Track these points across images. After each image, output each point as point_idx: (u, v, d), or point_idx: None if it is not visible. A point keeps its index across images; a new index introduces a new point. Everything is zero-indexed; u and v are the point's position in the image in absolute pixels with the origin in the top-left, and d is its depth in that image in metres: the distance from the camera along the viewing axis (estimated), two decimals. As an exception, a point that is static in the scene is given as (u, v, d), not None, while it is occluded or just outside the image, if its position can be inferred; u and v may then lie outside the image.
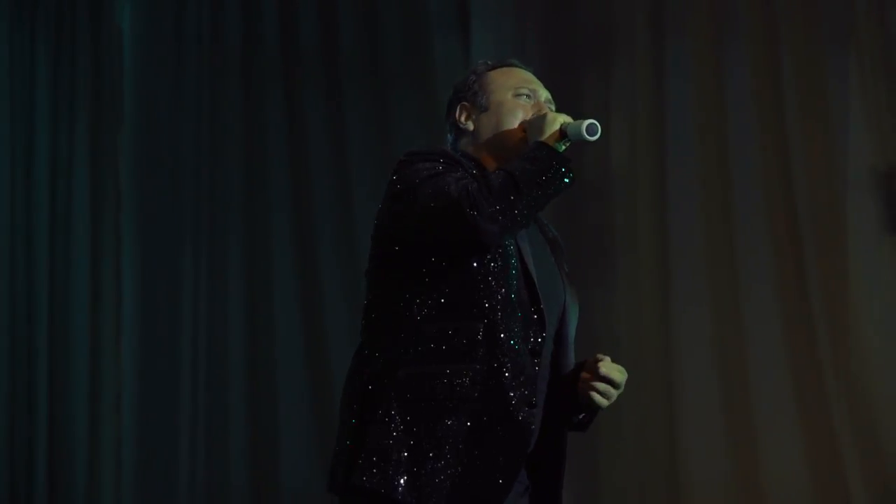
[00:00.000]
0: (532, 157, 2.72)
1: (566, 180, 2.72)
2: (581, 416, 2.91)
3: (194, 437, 6.08)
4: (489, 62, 3.03)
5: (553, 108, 2.98)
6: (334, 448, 2.79)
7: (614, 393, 2.81)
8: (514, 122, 2.91)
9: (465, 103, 2.97)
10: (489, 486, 2.65)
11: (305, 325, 5.94)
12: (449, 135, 3.02)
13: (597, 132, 2.77)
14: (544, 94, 2.97)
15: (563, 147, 2.78)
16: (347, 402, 2.77)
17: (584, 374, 2.82)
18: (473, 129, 2.95)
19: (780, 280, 5.05)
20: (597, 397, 2.79)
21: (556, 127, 2.78)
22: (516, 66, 3.02)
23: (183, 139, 6.24)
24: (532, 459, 2.81)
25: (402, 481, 2.61)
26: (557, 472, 2.86)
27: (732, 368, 5.09)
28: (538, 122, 2.83)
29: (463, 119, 2.97)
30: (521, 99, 2.94)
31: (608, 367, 2.79)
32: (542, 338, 2.75)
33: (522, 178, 2.67)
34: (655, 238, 5.26)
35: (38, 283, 6.29)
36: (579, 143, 2.81)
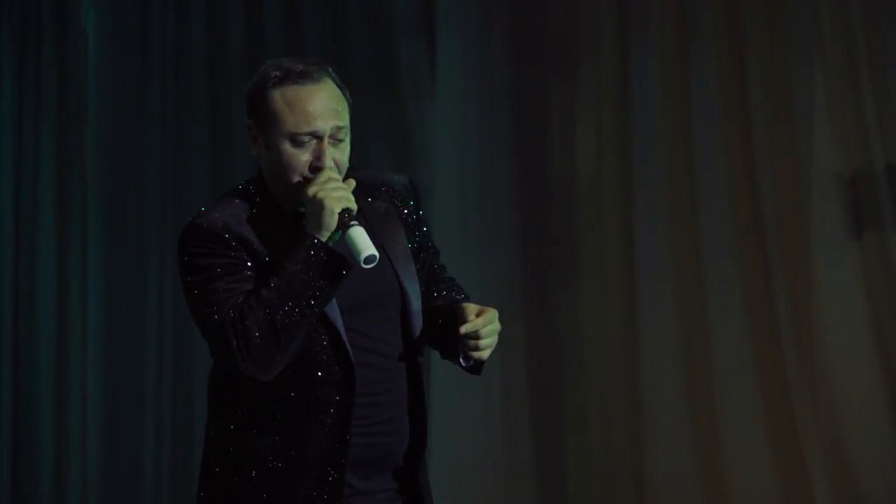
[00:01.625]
0: (304, 276, 2.61)
1: (337, 284, 2.64)
2: (466, 365, 2.85)
3: (160, 438, 6.07)
4: (278, 73, 2.76)
5: (343, 131, 2.76)
6: None
7: (493, 341, 2.76)
8: (294, 176, 2.71)
9: (251, 123, 2.80)
10: None
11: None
12: None
13: (373, 263, 2.62)
14: (329, 127, 2.73)
15: (338, 235, 2.66)
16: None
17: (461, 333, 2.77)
18: (259, 159, 2.82)
19: (745, 283, 5.06)
20: (479, 354, 2.76)
21: (334, 220, 2.64)
22: (304, 83, 2.74)
23: (148, 141, 6.22)
24: (402, 467, 2.82)
25: None
26: (422, 475, 2.86)
27: (698, 371, 5.10)
28: (316, 212, 2.65)
29: (250, 140, 2.82)
30: (300, 149, 2.72)
31: (473, 321, 2.74)
32: (353, 390, 2.70)
33: (285, 318, 2.60)
34: (621, 241, 5.26)
35: (3, 285, 6.25)
36: None
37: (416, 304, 2.82)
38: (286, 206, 2.77)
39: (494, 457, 5.31)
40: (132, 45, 6.30)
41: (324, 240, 2.64)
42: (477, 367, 2.85)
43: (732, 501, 5.01)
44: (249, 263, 2.70)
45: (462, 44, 5.55)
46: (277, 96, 2.74)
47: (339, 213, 2.64)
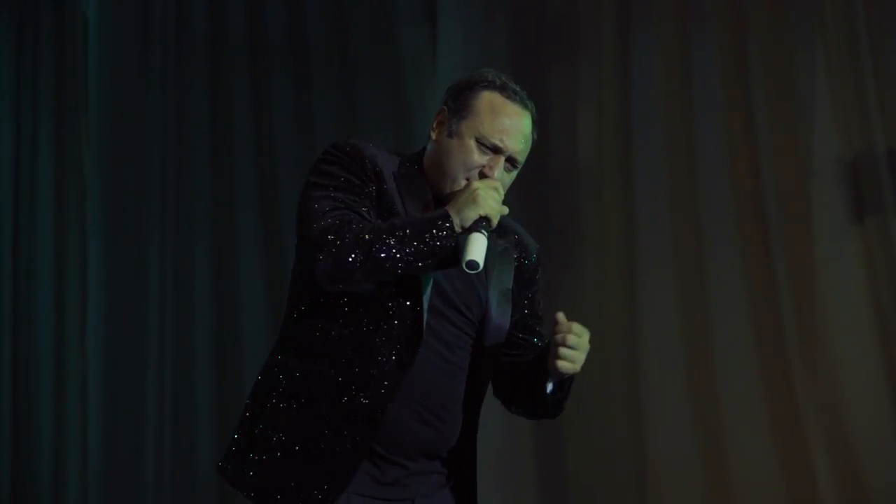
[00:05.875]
0: (419, 236, 2.69)
1: (438, 264, 2.73)
2: (550, 390, 2.91)
3: (161, 426, 6.07)
4: (496, 80, 2.90)
5: (518, 166, 2.90)
6: None
7: (579, 356, 2.80)
8: (460, 169, 2.85)
9: (446, 109, 2.91)
10: (319, 487, 2.74)
11: (271, 313, 5.92)
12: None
13: (473, 270, 2.70)
14: (513, 150, 2.86)
15: (459, 230, 2.75)
16: None
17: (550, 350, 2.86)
18: (435, 142, 2.91)
19: (746, 268, 5.06)
20: (562, 364, 2.79)
21: (473, 218, 2.73)
22: (514, 101, 2.89)
23: (149, 128, 6.22)
24: (453, 455, 2.92)
25: (250, 474, 2.81)
26: (471, 468, 2.94)
27: (699, 356, 5.10)
28: (466, 202, 2.75)
29: (435, 125, 2.92)
30: (482, 148, 2.85)
31: (565, 332, 2.80)
32: (416, 351, 2.78)
33: (380, 250, 2.67)
34: (622, 228, 5.26)
35: (2, 274, 6.25)
36: None
37: (494, 337, 2.94)
38: (433, 189, 2.89)
39: (496, 441, 5.31)
40: (133, 29, 6.29)
41: (455, 226, 2.72)
42: (563, 397, 2.94)
43: (734, 486, 5.01)
44: (372, 197, 2.81)
45: (463, 30, 5.56)
46: (486, 98, 2.88)
47: (480, 217, 2.73)
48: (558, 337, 2.78)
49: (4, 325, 6.24)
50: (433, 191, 2.88)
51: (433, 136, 2.91)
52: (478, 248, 2.70)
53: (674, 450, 5.10)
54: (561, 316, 2.81)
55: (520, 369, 2.96)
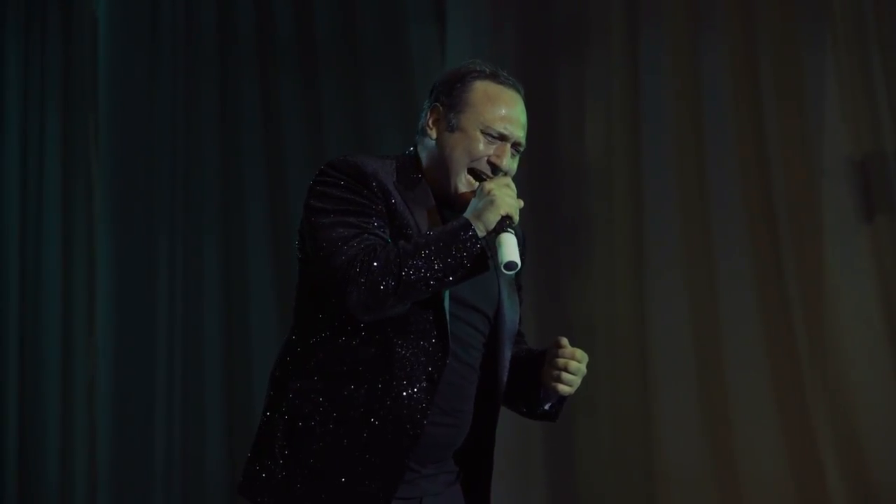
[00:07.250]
0: (447, 251, 2.68)
1: (470, 274, 2.72)
2: (548, 406, 2.98)
3: (170, 424, 6.07)
4: (486, 69, 2.92)
5: (522, 150, 2.92)
6: None
7: (577, 380, 2.86)
8: (467, 161, 2.85)
9: (439, 106, 2.91)
10: None
11: (280, 310, 5.93)
12: (420, 119, 2.97)
13: (513, 270, 2.71)
14: (517, 136, 2.89)
15: (484, 235, 2.74)
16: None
17: (546, 368, 2.88)
18: (434, 140, 2.90)
19: (756, 268, 5.06)
20: (562, 388, 2.85)
21: (496, 220, 2.73)
22: (507, 86, 2.91)
23: (157, 127, 6.22)
24: (464, 452, 2.92)
25: (288, 499, 2.75)
26: (486, 465, 2.95)
27: (709, 356, 5.09)
28: (484, 205, 2.75)
29: (430, 123, 2.91)
30: (487, 138, 2.86)
31: (567, 358, 2.85)
32: (444, 365, 2.77)
33: (411, 274, 2.65)
34: (631, 228, 5.25)
35: (9, 268, 6.26)
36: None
37: (508, 331, 2.95)
38: (435, 191, 2.88)
39: (505, 441, 5.28)
40: (142, 28, 6.30)
41: (479, 233, 2.72)
42: (557, 410, 2.99)
43: (744, 485, 5.01)
44: (383, 215, 2.77)
45: (471, 29, 5.55)
46: (480, 88, 2.90)
47: (502, 217, 2.73)
48: (560, 361, 2.84)
49: (12, 323, 6.24)
50: (435, 191, 2.87)
51: (432, 133, 2.90)
52: (511, 247, 2.71)
53: (683, 451, 5.09)
54: (564, 341, 2.86)
55: (512, 372, 2.97)
